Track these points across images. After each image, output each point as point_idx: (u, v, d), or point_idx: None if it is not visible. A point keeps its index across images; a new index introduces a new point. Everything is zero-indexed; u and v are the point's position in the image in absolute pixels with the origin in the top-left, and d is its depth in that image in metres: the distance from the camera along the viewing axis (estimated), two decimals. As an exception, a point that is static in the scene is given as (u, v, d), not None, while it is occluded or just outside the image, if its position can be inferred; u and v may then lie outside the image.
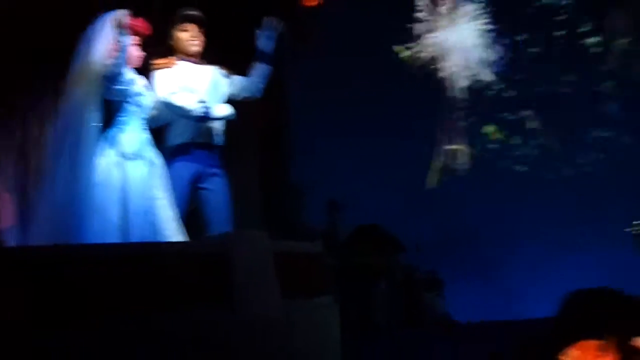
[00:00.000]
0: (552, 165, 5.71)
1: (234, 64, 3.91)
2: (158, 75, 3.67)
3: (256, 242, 2.93)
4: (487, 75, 5.82)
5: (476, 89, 5.83)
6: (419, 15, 5.75)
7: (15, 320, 2.36)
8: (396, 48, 5.72)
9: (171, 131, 3.74)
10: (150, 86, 3.59)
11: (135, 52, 3.42)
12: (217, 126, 3.77)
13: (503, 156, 5.78)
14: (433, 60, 5.82)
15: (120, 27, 3.26)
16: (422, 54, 5.79)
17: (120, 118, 3.36)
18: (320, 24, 5.38)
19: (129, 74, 3.40)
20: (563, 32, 5.60)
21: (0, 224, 4.41)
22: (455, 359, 4.16)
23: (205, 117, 3.67)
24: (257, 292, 2.79)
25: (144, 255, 2.70)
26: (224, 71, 3.88)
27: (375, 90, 5.76)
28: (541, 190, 5.78)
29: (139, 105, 3.43)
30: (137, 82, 3.46)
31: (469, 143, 5.87)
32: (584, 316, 3.44)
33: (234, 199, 3.74)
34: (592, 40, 5.75)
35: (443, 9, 5.82)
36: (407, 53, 5.77)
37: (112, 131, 3.33)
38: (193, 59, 3.81)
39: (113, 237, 3.12)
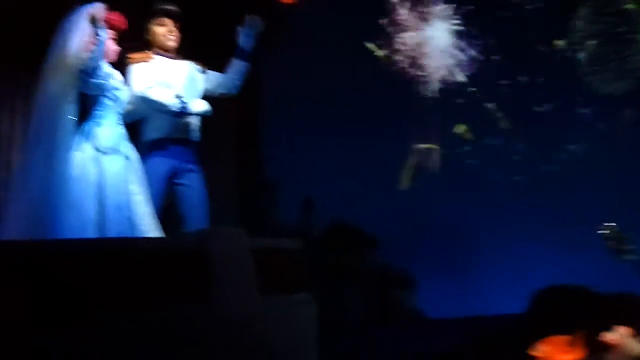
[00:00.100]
0: (522, 165, 5.82)
1: (210, 60, 3.91)
2: (134, 69, 3.65)
3: (234, 239, 2.93)
4: (460, 76, 5.90)
5: (449, 89, 5.90)
6: (393, 14, 5.80)
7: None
8: (370, 46, 5.76)
9: (147, 126, 3.72)
10: (126, 80, 3.56)
11: (111, 46, 3.39)
12: (194, 122, 3.76)
13: (474, 155, 5.86)
14: (406, 59, 5.87)
15: (97, 21, 3.23)
16: (396, 53, 5.84)
17: (96, 112, 3.33)
18: (296, 22, 5.40)
19: (106, 68, 3.37)
20: (534, 34, 5.70)
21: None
22: (427, 355, 4.22)
23: (182, 113, 3.65)
24: (234, 289, 2.79)
25: (120, 251, 2.68)
26: (200, 67, 3.87)
27: (351, 89, 5.79)
28: (511, 189, 5.88)
29: (115, 100, 3.40)
30: (114, 76, 3.43)
31: (441, 142, 5.94)
32: (553, 312, 3.53)
33: (209, 196, 3.74)
34: (561, 42, 5.86)
35: (417, 8, 5.88)
36: (380, 52, 5.81)
37: (88, 125, 3.30)
38: (169, 53, 3.80)
39: (89, 233, 3.09)
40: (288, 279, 3.08)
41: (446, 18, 5.89)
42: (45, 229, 3.01)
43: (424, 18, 5.91)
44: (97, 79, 3.30)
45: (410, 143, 5.85)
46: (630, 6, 5.73)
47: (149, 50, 3.77)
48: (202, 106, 3.73)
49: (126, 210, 3.24)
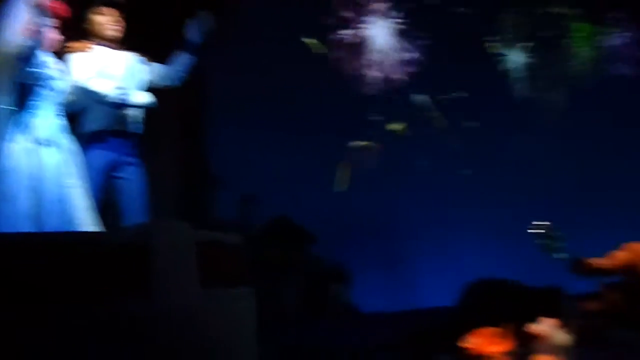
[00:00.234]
0: (455, 161, 5.98)
1: (152, 51, 3.86)
2: (74, 59, 3.57)
3: (175, 232, 2.92)
4: (399, 74, 6.02)
5: (387, 87, 6.01)
6: (334, 10, 5.85)
7: None
8: (309, 42, 5.80)
9: (86, 117, 3.64)
10: (66, 70, 3.48)
11: (52, 35, 3.29)
12: (135, 114, 3.71)
13: (407, 151, 5.99)
14: (345, 55, 5.94)
15: (38, 8, 3.14)
16: (335, 49, 5.90)
17: (33, 102, 3.23)
18: (242, 17, 5.39)
19: (43, 57, 3.27)
20: (474, 33, 5.85)
21: None
22: (360, 349, 4.30)
23: (122, 104, 3.60)
24: (175, 282, 2.78)
25: (57, 245, 2.62)
26: (142, 58, 3.82)
27: (295, 86, 5.82)
28: (445, 185, 6.04)
29: (53, 90, 3.30)
30: (52, 65, 3.33)
31: (377, 139, 6.05)
32: (483, 305, 3.68)
33: (151, 189, 3.70)
34: (500, 42, 6.05)
35: (358, 5, 5.95)
36: (321, 48, 5.86)
37: (25, 116, 3.20)
38: (110, 43, 3.73)
39: (24, 226, 3.01)
40: (228, 273, 3.09)
41: (386, 15, 6.00)
42: (-21, 222, 2.92)
43: (365, 15, 6.00)
44: (33, 67, 3.20)
45: (349, 140, 5.94)
46: (557, 9, 5.95)
47: (88, 39, 3.69)
48: (143, 98, 3.69)
49: (64, 204, 3.16)
